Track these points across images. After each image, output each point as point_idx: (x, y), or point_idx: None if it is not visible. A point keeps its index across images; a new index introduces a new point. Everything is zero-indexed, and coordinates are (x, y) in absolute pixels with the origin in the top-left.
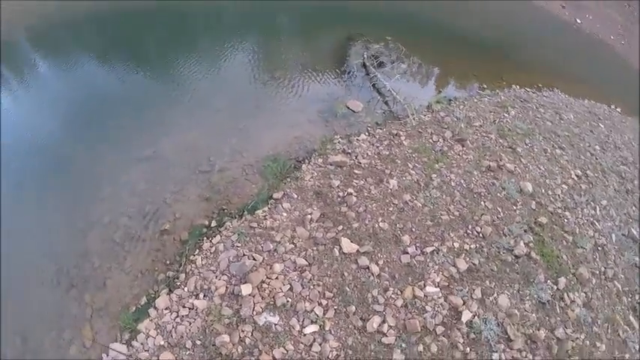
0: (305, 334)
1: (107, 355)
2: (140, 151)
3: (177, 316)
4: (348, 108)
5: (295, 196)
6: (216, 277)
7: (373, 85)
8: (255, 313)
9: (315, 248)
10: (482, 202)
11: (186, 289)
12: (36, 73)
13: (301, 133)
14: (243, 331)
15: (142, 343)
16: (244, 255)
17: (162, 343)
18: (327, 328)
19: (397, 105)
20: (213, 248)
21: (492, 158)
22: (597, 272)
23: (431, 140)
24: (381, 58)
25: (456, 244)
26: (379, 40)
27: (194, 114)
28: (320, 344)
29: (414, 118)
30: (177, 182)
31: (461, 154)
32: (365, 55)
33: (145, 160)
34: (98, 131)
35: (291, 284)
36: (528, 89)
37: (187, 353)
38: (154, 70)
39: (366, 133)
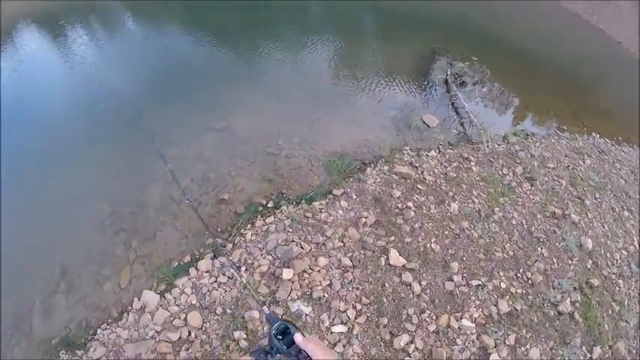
0: (332, 332)
1: (138, 300)
2: (213, 122)
3: (215, 282)
4: (423, 122)
5: (354, 197)
6: (262, 255)
7: (452, 104)
8: (289, 298)
9: (362, 252)
10: (539, 249)
11: (230, 258)
12: (126, 33)
13: (372, 136)
14: (273, 313)
15: (174, 297)
16: (293, 241)
17: (194, 302)
18: (354, 332)
19: (473, 128)
20: (265, 227)
21: (559, 205)
22: (634, 351)
23: (501, 172)
24: (464, 78)
25: (503, 285)
26: (464, 59)
27: (270, 98)
28: (344, 346)
29: (487, 146)
30: (243, 158)
31: (528, 193)
32: (448, 72)
33: (216, 131)
34: (176, 95)
35: (331, 280)
36: (608, 140)
37: (215, 318)
38: (237, 51)
39: (437, 151)
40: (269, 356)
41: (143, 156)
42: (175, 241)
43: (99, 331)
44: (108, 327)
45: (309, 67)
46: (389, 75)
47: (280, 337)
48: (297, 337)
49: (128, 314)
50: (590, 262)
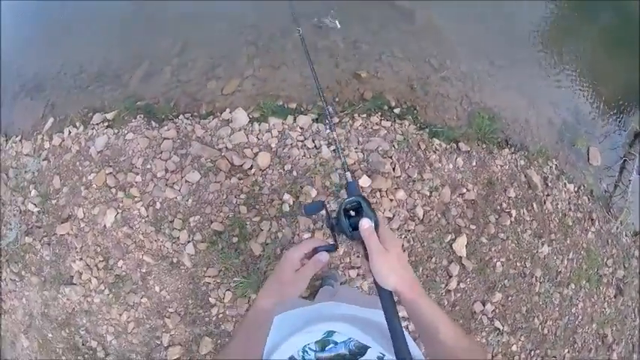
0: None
1: (230, 113)
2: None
3: (302, 142)
4: (588, 152)
5: (474, 164)
6: (356, 148)
7: (624, 160)
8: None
9: (439, 216)
10: (565, 350)
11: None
12: None
13: (534, 123)
14: (328, 204)
15: (259, 130)
16: (390, 157)
17: (272, 146)
18: None
19: (620, 200)
20: (377, 127)
21: (615, 332)
22: None
23: (605, 261)
24: None
25: (514, 348)
26: None
27: (470, 13)
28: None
29: (617, 227)
30: (401, 49)
31: (606, 299)
32: None
33: (401, 12)
34: None
35: (394, 216)
36: None
37: (279, 171)
38: None
39: (576, 188)
40: (331, 231)
41: None
42: (294, 83)
43: (181, 116)
44: (190, 118)
45: (531, 7)
46: (592, 77)
47: (351, 215)
48: (364, 224)
49: (214, 118)
50: None
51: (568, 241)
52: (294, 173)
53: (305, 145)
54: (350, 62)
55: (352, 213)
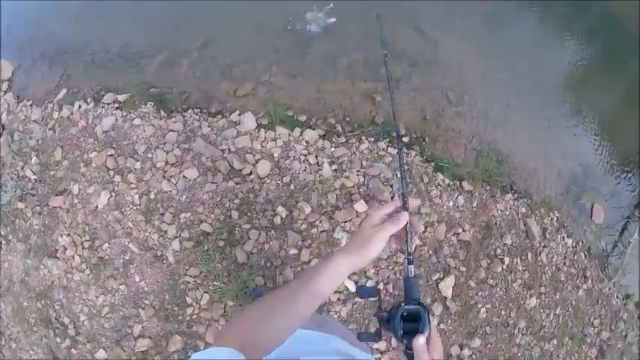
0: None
1: (238, 115)
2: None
3: (304, 156)
4: (592, 208)
5: (474, 205)
6: (358, 171)
7: (627, 220)
8: (341, 223)
9: (430, 252)
10: None
11: (336, 151)
12: None
13: (542, 171)
14: (320, 222)
15: (265, 138)
16: (392, 186)
17: (275, 155)
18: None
19: (617, 259)
20: (383, 154)
21: None
22: None
23: (591, 320)
24: None
25: None
26: None
27: (492, 50)
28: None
29: (609, 287)
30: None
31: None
32: None
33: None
34: None
35: (384, 247)
36: None
37: (278, 182)
38: None
39: (574, 244)
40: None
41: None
42: (308, 95)
43: (190, 111)
44: (199, 113)
45: (556, 53)
46: (608, 134)
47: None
48: (420, 341)
49: (222, 118)
50: None
51: (557, 296)
52: (292, 187)
53: (307, 160)
54: (367, 84)
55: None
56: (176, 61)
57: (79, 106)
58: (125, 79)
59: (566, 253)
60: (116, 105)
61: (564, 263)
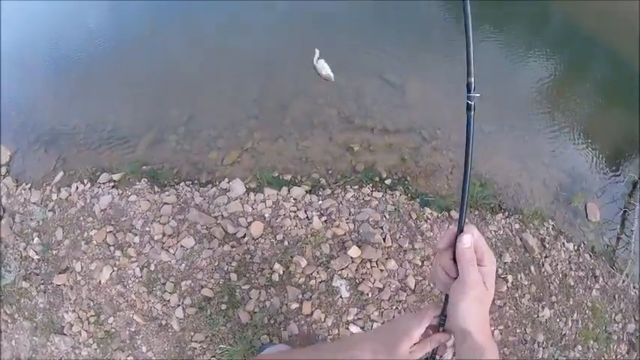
0: (348, 328)
1: (228, 182)
2: (389, 73)
3: (294, 212)
4: (585, 208)
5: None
6: (347, 219)
7: (624, 212)
8: (340, 272)
9: (432, 286)
10: None
11: (324, 203)
12: None
13: (527, 185)
14: (317, 274)
15: (254, 200)
16: (381, 228)
17: (266, 215)
18: None
19: (624, 252)
20: (368, 199)
21: None
22: None
23: (613, 317)
24: None
25: None
26: None
27: (456, 78)
28: None
29: (623, 280)
30: (394, 123)
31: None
32: None
33: (386, 83)
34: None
35: (384, 287)
36: None
37: (271, 241)
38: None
39: (576, 247)
40: None
41: (305, 69)
42: (290, 155)
43: (182, 183)
44: (191, 185)
45: (518, 72)
46: (585, 133)
47: None
48: (464, 242)
49: (212, 187)
50: None
51: (571, 302)
52: (286, 243)
53: (297, 216)
54: (343, 135)
55: None
56: (164, 138)
57: (77, 187)
58: (118, 158)
59: (569, 257)
60: (111, 184)
61: (570, 268)
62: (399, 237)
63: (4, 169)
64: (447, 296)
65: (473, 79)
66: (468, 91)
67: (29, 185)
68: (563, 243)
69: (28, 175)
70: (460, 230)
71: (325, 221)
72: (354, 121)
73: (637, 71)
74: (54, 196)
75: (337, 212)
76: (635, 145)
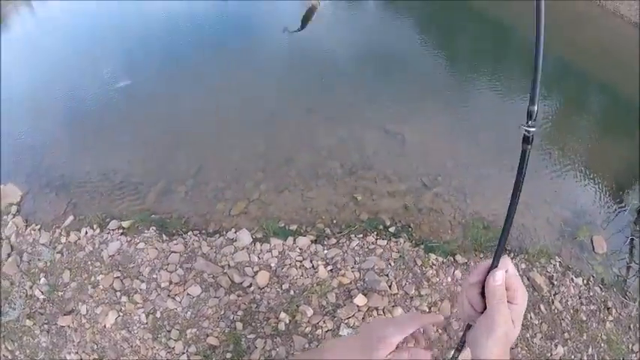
0: None
1: (235, 232)
2: (388, 122)
3: (300, 262)
4: (591, 241)
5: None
6: (352, 268)
7: (631, 240)
8: (346, 321)
9: (439, 332)
10: None
11: (329, 252)
12: None
13: (531, 225)
14: (324, 323)
15: (260, 250)
16: (387, 275)
17: (272, 265)
18: None
19: (636, 280)
20: (373, 247)
21: None
22: None
23: (631, 346)
24: None
25: None
26: None
27: (456, 126)
28: None
29: (636, 308)
30: (396, 173)
31: None
32: None
33: (386, 133)
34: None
35: None
36: None
37: (277, 290)
38: (453, 61)
39: (585, 281)
40: None
41: (310, 122)
42: (295, 206)
43: (190, 233)
44: (198, 234)
45: (515, 113)
46: (586, 167)
47: None
48: (496, 279)
49: (219, 237)
50: None
51: (585, 337)
52: (292, 292)
53: (303, 265)
54: (347, 186)
55: None
56: (173, 189)
57: (86, 232)
58: (128, 206)
59: (579, 292)
60: (120, 231)
61: (581, 303)
62: (405, 284)
63: (14, 209)
64: (468, 325)
65: (537, 107)
66: (529, 118)
67: (39, 226)
68: (572, 278)
69: (39, 216)
70: (495, 266)
71: (331, 270)
72: (356, 171)
73: (635, 100)
74: (63, 239)
75: (342, 261)
76: (637, 173)
